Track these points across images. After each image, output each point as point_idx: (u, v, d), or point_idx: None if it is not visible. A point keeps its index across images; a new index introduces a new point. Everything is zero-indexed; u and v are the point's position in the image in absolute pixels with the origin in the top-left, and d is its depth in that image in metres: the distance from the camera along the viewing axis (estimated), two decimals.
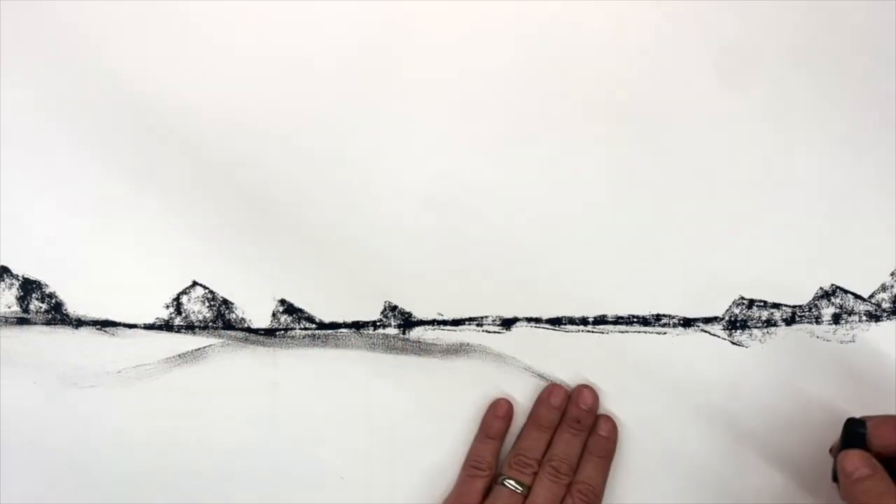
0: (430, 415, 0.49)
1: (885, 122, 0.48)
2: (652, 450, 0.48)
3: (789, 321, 0.49)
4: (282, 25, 0.46)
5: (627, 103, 0.47)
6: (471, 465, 0.46)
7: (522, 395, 0.48)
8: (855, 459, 0.41)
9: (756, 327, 0.49)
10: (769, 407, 0.49)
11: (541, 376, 0.48)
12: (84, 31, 0.46)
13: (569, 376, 0.48)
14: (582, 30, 0.47)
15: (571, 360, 0.48)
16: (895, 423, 0.42)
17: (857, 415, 0.43)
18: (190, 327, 0.48)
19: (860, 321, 0.49)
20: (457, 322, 0.48)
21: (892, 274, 0.49)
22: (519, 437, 0.47)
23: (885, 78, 0.47)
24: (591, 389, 0.46)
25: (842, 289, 0.49)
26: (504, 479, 0.45)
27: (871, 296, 0.49)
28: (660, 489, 0.49)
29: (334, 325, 0.48)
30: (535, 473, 0.45)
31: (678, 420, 0.48)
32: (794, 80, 0.47)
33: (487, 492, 0.45)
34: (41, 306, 0.47)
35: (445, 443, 0.49)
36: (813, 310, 0.49)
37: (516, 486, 0.44)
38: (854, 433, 0.42)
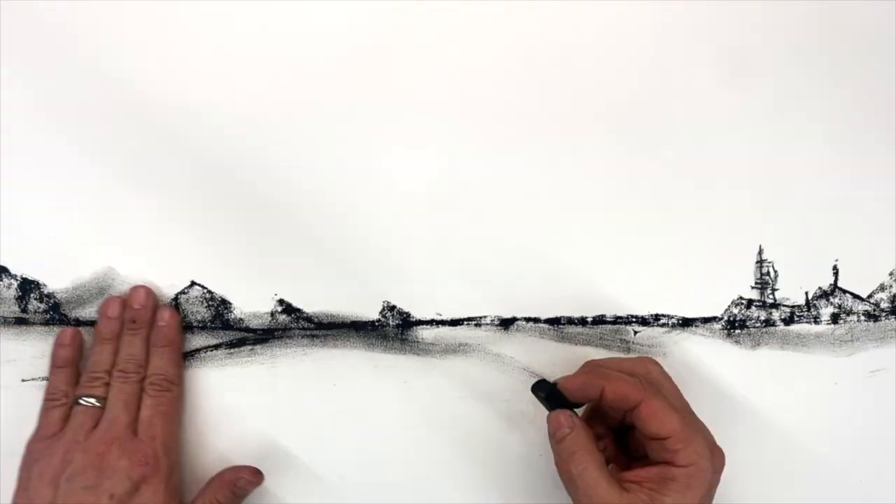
0: (429, 414, 0.49)
1: (885, 123, 0.47)
2: None
3: (788, 321, 0.49)
4: (282, 26, 0.46)
5: (628, 104, 0.47)
6: (46, 398, 0.45)
7: (521, 395, 0.48)
8: (559, 418, 0.41)
9: (755, 327, 0.49)
10: (767, 406, 0.49)
11: (539, 376, 0.48)
12: (84, 31, 0.46)
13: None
14: (582, 30, 0.46)
15: (570, 359, 0.48)
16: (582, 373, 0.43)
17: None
18: (188, 327, 0.48)
19: (859, 321, 0.49)
20: (455, 322, 0.48)
21: (890, 274, 0.49)
22: (88, 356, 0.46)
23: (885, 78, 0.47)
24: (145, 287, 0.46)
25: (841, 289, 0.49)
26: (78, 399, 0.44)
27: (870, 296, 0.49)
28: None
29: (333, 325, 0.48)
30: (108, 384, 0.45)
31: None
32: (795, 81, 0.47)
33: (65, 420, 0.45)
34: (40, 306, 0.47)
35: (445, 443, 0.49)
36: (812, 310, 0.49)
37: (92, 401, 0.44)
38: (552, 393, 0.42)
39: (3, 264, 0.47)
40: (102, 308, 0.46)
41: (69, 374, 0.46)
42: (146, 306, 0.46)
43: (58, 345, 0.46)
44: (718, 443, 0.42)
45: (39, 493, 0.41)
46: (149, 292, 0.46)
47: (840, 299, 0.49)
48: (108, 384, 0.45)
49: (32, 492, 0.42)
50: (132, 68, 0.46)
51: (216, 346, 0.48)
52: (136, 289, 0.46)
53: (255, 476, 0.45)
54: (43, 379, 0.47)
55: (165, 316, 0.46)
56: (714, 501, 0.47)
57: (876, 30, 0.47)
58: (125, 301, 0.46)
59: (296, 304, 0.48)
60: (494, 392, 0.48)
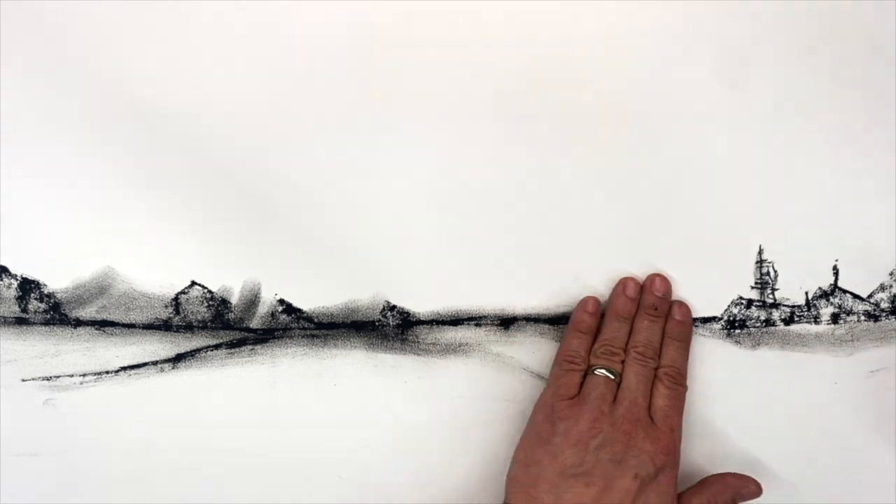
0: (429, 414, 0.49)
1: (885, 122, 0.47)
2: None
3: (788, 321, 0.49)
4: (281, 25, 0.46)
5: (628, 104, 0.47)
6: (565, 359, 0.46)
7: (521, 395, 0.49)
8: None
9: (755, 327, 0.49)
10: (766, 406, 0.49)
11: (539, 376, 0.49)
12: (84, 31, 0.46)
13: None
14: (582, 30, 0.46)
15: None
16: None
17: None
18: (188, 327, 0.48)
19: (859, 321, 0.49)
20: (455, 322, 0.48)
21: (890, 274, 0.49)
22: (600, 331, 0.47)
23: (885, 78, 0.47)
24: (663, 277, 0.47)
25: (841, 289, 0.49)
26: (596, 369, 0.45)
27: (870, 296, 0.49)
28: None
29: (333, 325, 0.48)
30: (623, 362, 0.46)
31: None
32: (795, 81, 0.47)
33: (581, 385, 0.46)
34: (40, 306, 0.47)
35: (445, 442, 0.49)
36: (812, 310, 0.49)
37: (608, 373, 0.45)
38: None
39: (3, 264, 0.47)
40: (621, 287, 0.47)
41: (588, 340, 0.47)
42: (666, 297, 0.47)
43: (582, 310, 0.47)
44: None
45: (565, 452, 0.43)
46: (668, 283, 0.47)
47: (840, 299, 0.49)
48: (623, 362, 0.45)
49: (556, 447, 0.43)
50: (133, 68, 0.46)
51: (216, 346, 0.48)
52: (655, 277, 0.47)
53: (758, 489, 0.46)
54: (43, 379, 0.47)
55: (683, 311, 0.47)
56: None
57: (876, 29, 0.47)
58: (642, 285, 0.47)
59: (296, 304, 0.48)
60: (494, 392, 0.49)
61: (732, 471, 0.47)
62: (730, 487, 0.45)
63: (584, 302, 0.47)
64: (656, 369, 0.46)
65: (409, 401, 0.49)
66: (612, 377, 0.45)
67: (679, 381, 0.46)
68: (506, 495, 0.44)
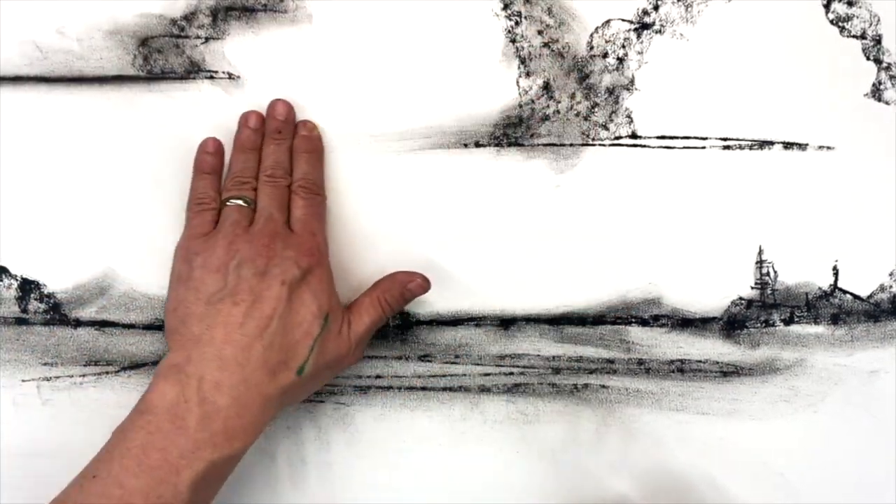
0: (430, 414, 0.49)
1: (885, 122, 0.47)
2: (651, 449, 0.49)
3: (788, 321, 0.49)
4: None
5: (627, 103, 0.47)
6: (195, 202, 0.45)
7: (522, 395, 0.49)
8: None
9: (755, 327, 0.49)
10: (767, 406, 0.49)
11: (539, 376, 0.49)
12: (84, 30, 0.46)
13: (572, 374, 0.49)
14: (583, 25, 0.47)
15: (570, 359, 0.48)
16: None
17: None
18: None
19: (859, 321, 0.49)
20: (456, 322, 0.48)
21: (890, 274, 0.49)
22: (228, 166, 0.46)
23: (884, 77, 0.47)
24: (284, 101, 0.46)
25: (841, 289, 0.49)
26: (228, 200, 0.44)
27: (870, 296, 0.49)
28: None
29: None
30: (255, 189, 0.45)
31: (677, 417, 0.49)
32: (795, 81, 0.47)
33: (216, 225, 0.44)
34: (40, 306, 0.47)
35: (445, 442, 0.49)
36: (811, 310, 0.49)
37: (241, 202, 0.44)
38: None
39: (3, 264, 0.47)
40: (242, 119, 0.46)
41: (215, 181, 0.46)
42: (289, 120, 0.46)
43: (202, 152, 0.46)
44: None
45: (205, 282, 0.41)
46: (288, 105, 0.46)
47: (840, 300, 0.49)
48: (254, 189, 0.45)
49: (197, 281, 0.41)
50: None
51: None
52: (276, 102, 0.46)
53: (425, 282, 0.46)
54: (43, 379, 0.47)
55: (309, 125, 0.46)
56: (712, 501, 0.47)
57: (875, 29, 0.47)
58: (262, 115, 0.46)
59: None
60: (494, 392, 0.49)
61: (731, 470, 0.46)
62: (397, 283, 0.45)
63: (204, 143, 0.46)
64: (289, 187, 0.45)
65: (410, 401, 0.49)
66: (246, 204, 0.44)
67: (315, 191, 0.45)
68: (168, 348, 0.42)
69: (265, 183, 0.44)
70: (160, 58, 0.46)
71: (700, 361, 0.49)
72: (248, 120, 0.46)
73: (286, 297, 0.41)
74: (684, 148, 0.47)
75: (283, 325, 0.41)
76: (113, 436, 0.38)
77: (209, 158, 0.46)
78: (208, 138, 0.46)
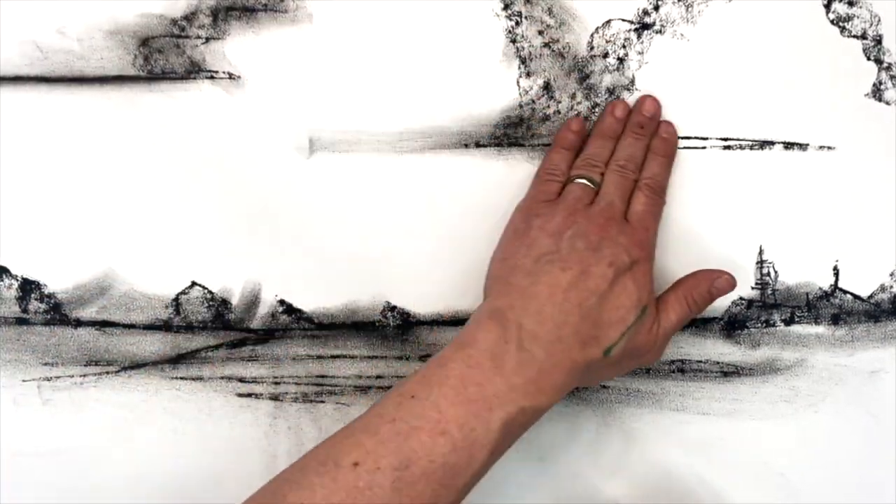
0: None
1: (885, 122, 0.47)
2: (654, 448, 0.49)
3: (788, 322, 0.49)
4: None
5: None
6: (546, 171, 0.46)
7: None
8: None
9: (755, 328, 0.49)
10: (766, 407, 0.49)
11: None
12: (84, 29, 0.46)
13: None
14: (583, 24, 0.47)
15: None
16: None
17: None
18: (189, 328, 0.48)
19: (859, 322, 0.49)
20: (456, 322, 0.48)
21: (891, 274, 0.49)
22: (585, 147, 0.47)
23: (885, 77, 0.47)
24: (654, 98, 0.47)
25: (841, 289, 0.49)
26: (575, 178, 0.45)
27: (870, 296, 0.49)
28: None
29: (333, 326, 0.48)
30: (602, 174, 0.46)
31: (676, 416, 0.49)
32: (795, 81, 0.47)
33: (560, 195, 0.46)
34: (40, 306, 0.47)
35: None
36: (812, 310, 0.49)
37: (587, 182, 0.45)
38: None
39: (3, 264, 0.47)
40: (609, 107, 0.47)
41: (570, 157, 0.47)
42: (654, 117, 0.47)
43: (566, 129, 0.47)
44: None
45: (539, 242, 0.43)
46: (658, 104, 0.47)
47: (840, 300, 0.49)
48: (603, 174, 0.46)
49: (532, 239, 0.43)
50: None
51: (216, 347, 0.48)
52: (646, 98, 0.47)
53: (732, 280, 0.45)
54: (43, 379, 0.47)
55: (670, 129, 0.47)
56: (713, 502, 0.47)
57: (876, 29, 0.47)
58: (629, 106, 0.47)
59: (296, 304, 0.48)
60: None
61: (731, 470, 0.46)
62: (704, 280, 0.45)
63: (569, 121, 0.47)
64: (636, 182, 0.46)
65: None
66: (591, 185, 0.45)
67: (658, 193, 0.46)
68: (484, 293, 0.44)
69: (614, 171, 0.45)
70: (161, 58, 0.46)
71: (700, 361, 0.49)
72: (614, 109, 0.47)
73: (611, 278, 0.41)
74: (684, 148, 0.47)
75: (601, 305, 0.41)
76: (430, 363, 0.40)
77: (571, 136, 0.47)
78: (576, 117, 0.47)
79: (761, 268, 0.48)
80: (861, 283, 0.49)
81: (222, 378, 0.48)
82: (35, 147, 0.47)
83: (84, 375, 0.48)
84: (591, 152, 0.46)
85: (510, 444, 0.40)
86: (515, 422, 0.39)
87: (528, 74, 0.47)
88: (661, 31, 0.47)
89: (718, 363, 0.49)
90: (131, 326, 0.48)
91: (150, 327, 0.48)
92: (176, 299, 0.48)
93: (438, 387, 0.38)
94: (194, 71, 0.46)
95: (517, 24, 0.46)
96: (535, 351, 0.40)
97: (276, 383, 0.48)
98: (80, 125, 0.47)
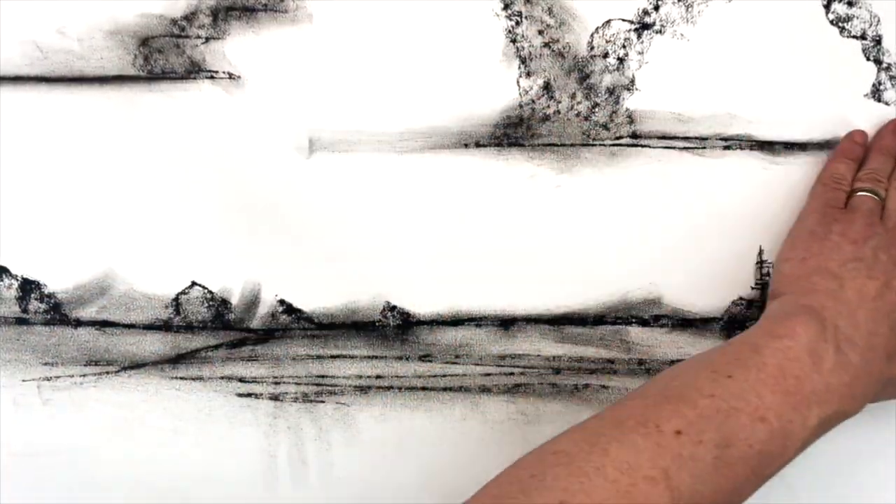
0: (430, 414, 0.49)
1: (885, 122, 0.48)
2: None
3: None
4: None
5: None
6: (833, 180, 0.46)
7: (521, 395, 0.49)
8: None
9: None
10: None
11: (540, 377, 0.49)
12: (83, 29, 0.46)
13: (573, 375, 0.49)
14: (583, 24, 0.47)
15: (571, 359, 0.48)
16: None
17: None
18: (189, 328, 0.48)
19: None
20: (456, 322, 0.48)
21: None
22: (864, 162, 0.47)
23: (884, 78, 0.47)
24: None
25: None
26: (861, 191, 0.46)
27: None
28: None
29: (333, 326, 0.48)
30: (887, 189, 0.46)
31: None
32: (795, 80, 0.47)
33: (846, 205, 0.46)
34: (40, 306, 0.47)
35: (446, 442, 0.49)
36: None
37: (874, 195, 0.45)
38: None
39: (3, 264, 0.47)
40: (892, 125, 0.47)
41: (853, 167, 0.47)
42: None
43: (850, 140, 0.47)
44: None
45: (842, 248, 0.43)
46: None
47: None
48: (886, 189, 0.46)
49: (834, 244, 0.43)
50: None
51: (216, 347, 0.48)
52: None
53: None
54: (43, 379, 0.47)
55: None
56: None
57: (875, 29, 0.47)
58: None
59: (296, 304, 0.48)
60: (495, 392, 0.49)
61: None
62: None
63: (853, 133, 0.47)
64: None
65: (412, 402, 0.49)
66: (878, 198, 0.45)
67: None
68: (774, 290, 0.44)
69: None
70: (161, 58, 0.46)
71: None
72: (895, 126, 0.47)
73: None
74: (684, 148, 0.47)
75: None
76: (740, 345, 0.39)
77: (856, 147, 0.47)
78: (857, 130, 0.47)
79: (761, 268, 0.48)
80: None
81: (222, 378, 0.48)
82: (35, 147, 0.47)
83: (84, 375, 0.48)
84: (875, 167, 0.46)
85: (810, 444, 0.40)
86: (829, 422, 0.39)
87: (528, 74, 0.47)
88: (661, 31, 0.47)
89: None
90: (131, 326, 0.48)
91: (150, 327, 0.48)
92: (176, 299, 0.48)
93: (756, 371, 0.38)
94: (194, 71, 0.46)
95: (517, 23, 0.46)
96: (851, 355, 0.39)
97: (276, 383, 0.48)
98: (80, 125, 0.47)
